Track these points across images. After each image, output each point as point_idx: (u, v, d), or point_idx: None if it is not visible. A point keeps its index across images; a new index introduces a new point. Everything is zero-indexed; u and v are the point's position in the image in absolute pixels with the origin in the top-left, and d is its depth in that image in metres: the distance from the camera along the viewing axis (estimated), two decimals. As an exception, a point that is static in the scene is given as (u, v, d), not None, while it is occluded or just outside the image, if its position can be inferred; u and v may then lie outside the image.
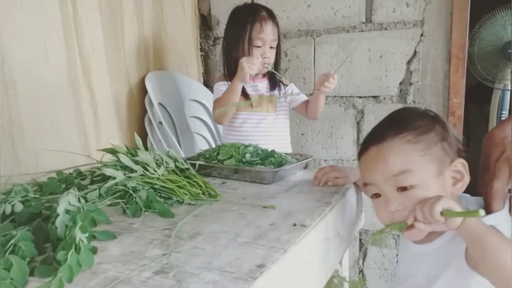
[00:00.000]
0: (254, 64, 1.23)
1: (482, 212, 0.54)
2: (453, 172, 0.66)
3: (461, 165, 0.66)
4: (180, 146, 1.48)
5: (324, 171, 0.94)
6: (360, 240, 1.73)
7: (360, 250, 1.73)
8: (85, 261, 0.53)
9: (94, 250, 0.58)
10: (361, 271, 1.75)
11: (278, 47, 1.39)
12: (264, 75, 1.43)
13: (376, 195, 0.69)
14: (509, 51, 2.08)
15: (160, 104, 1.49)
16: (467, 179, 0.66)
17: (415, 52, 1.52)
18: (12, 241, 0.57)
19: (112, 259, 0.56)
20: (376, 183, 0.67)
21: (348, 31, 1.59)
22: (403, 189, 0.64)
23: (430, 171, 0.64)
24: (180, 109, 1.62)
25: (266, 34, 1.32)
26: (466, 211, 0.57)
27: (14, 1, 1.01)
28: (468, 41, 1.50)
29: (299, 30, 1.68)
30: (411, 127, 0.66)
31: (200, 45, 1.88)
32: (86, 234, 0.58)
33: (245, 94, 1.37)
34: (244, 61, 1.24)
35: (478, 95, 2.05)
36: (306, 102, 1.41)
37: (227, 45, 1.39)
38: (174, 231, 0.65)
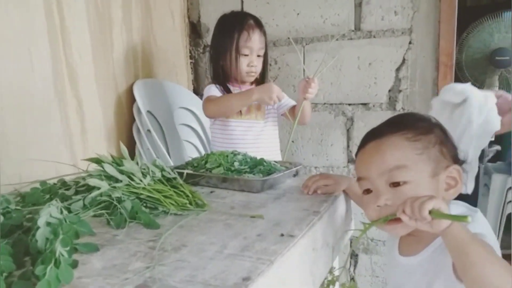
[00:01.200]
0: (274, 96, 1.25)
1: (470, 218, 0.53)
2: (448, 178, 0.66)
3: (456, 171, 0.66)
4: (169, 154, 1.47)
5: (313, 179, 0.93)
6: (351, 247, 1.72)
7: (351, 258, 1.73)
8: (64, 276, 0.51)
9: (74, 264, 0.56)
10: (352, 279, 1.74)
11: (266, 56, 1.39)
12: (252, 83, 1.42)
13: (367, 191, 0.69)
14: (496, 58, 2.11)
15: (148, 112, 1.48)
16: (460, 186, 0.66)
17: (403, 59, 1.53)
18: (-11, 255, 0.55)
19: (94, 273, 0.55)
20: (370, 177, 0.67)
21: (337, 39, 1.60)
22: (396, 184, 0.64)
23: (425, 170, 0.64)
24: (169, 117, 1.61)
25: (254, 42, 1.32)
26: (455, 215, 0.56)
27: (-1, 10, 0.99)
28: (456, 48, 1.52)
29: (288, 38, 1.69)
30: (411, 126, 0.67)
31: (190, 52, 1.87)
32: (67, 248, 0.57)
33: None
34: (275, 90, 1.25)
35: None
36: (294, 107, 1.41)
37: (214, 53, 1.39)
38: (159, 243, 0.63)
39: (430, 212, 0.56)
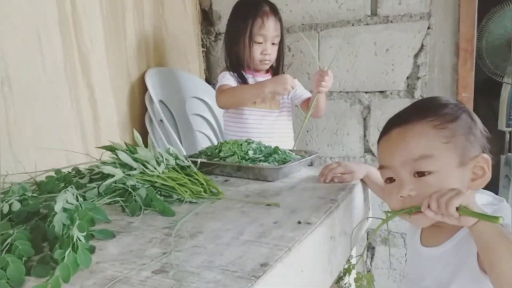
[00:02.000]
0: (289, 87, 1.22)
1: (501, 219, 0.51)
2: (475, 168, 0.63)
3: (484, 161, 0.62)
4: (181, 145, 1.46)
5: (330, 167, 0.91)
6: (368, 239, 1.70)
7: (367, 250, 1.70)
8: (82, 260, 0.51)
9: (92, 249, 0.56)
10: (369, 271, 1.72)
11: (281, 43, 1.36)
12: (267, 71, 1.40)
13: (390, 180, 0.66)
14: (518, 44, 2.03)
15: (161, 101, 1.47)
16: (488, 177, 0.63)
17: (422, 45, 1.48)
18: (9, 240, 0.56)
19: (111, 258, 0.55)
20: (393, 166, 0.64)
21: (353, 25, 1.56)
22: (420, 174, 0.61)
23: (451, 160, 0.61)
24: (181, 107, 1.60)
25: (268, 30, 1.29)
26: (484, 214, 0.53)
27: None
28: (476, 35, 1.46)
29: (302, 24, 1.65)
30: (438, 113, 0.64)
31: (202, 40, 1.85)
32: (84, 233, 0.57)
33: None
34: (288, 80, 1.22)
35: (487, 90, 2.01)
36: (308, 100, 1.38)
37: (228, 40, 1.36)
38: (175, 229, 0.63)
39: (457, 208, 0.53)
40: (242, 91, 1.29)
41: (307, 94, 1.40)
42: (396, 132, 0.65)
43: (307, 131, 1.72)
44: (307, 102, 1.38)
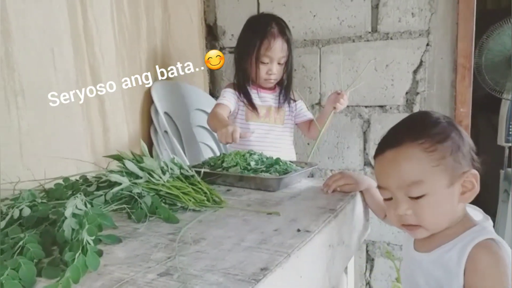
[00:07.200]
0: (231, 139, 1.09)
1: None
2: (465, 182, 0.65)
3: (472, 176, 0.65)
4: (185, 155, 1.49)
5: (334, 178, 0.94)
6: (367, 251, 1.71)
7: (366, 262, 1.71)
8: (91, 263, 0.54)
9: (100, 253, 0.59)
10: (368, 283, 1.72)
11: (289, 62, 1.37)
12: (274, 87, 1.43)
13: (388, 199, 0.70)
14: (517, 61, 2.07)
15: (166, 113, 1.51)
16: (477, 189, 0.65)
17: (421, 61, 1.52)
18: (20, 243, 0.58)
19: (118, 262, 0.57)
20: (389, 187, 0.68)
21: (354, 41, 1.61)
22: (414, 197, 0.65)
23: (442, 182, 0.64)
24: (185, 119, 1.64)
25: (274, 51, 1.31)
26: None
27: (25, 11, 1.04)
28: (476, 51, 1.50)
29: (304, 40, 1.70)
30: (428, 134, 0.66)
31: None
32: (93, 237, 0.59)
33: (252, 105, 1.37)
34: (229, 137, 1.08)
35: (487, 106, 2.04)
36: (311, 121, 1.43)
37: (237, 55, 1.40)
38: (179, 235, 0.65)
39: None
40: (212, 120, 1.28)
41: (308, 117, 1.45)
42: (389, 154, 0.68)
43: (308, 144, 1.75)
44: (305, 124, 1.44)
